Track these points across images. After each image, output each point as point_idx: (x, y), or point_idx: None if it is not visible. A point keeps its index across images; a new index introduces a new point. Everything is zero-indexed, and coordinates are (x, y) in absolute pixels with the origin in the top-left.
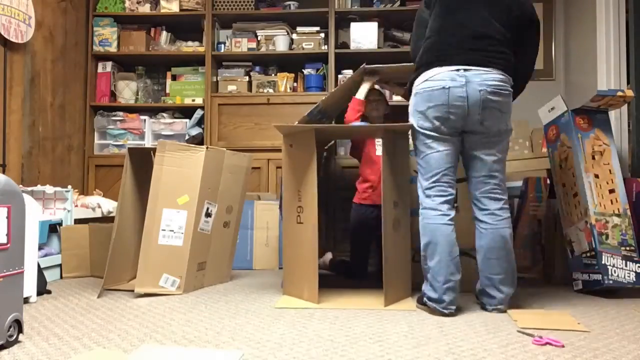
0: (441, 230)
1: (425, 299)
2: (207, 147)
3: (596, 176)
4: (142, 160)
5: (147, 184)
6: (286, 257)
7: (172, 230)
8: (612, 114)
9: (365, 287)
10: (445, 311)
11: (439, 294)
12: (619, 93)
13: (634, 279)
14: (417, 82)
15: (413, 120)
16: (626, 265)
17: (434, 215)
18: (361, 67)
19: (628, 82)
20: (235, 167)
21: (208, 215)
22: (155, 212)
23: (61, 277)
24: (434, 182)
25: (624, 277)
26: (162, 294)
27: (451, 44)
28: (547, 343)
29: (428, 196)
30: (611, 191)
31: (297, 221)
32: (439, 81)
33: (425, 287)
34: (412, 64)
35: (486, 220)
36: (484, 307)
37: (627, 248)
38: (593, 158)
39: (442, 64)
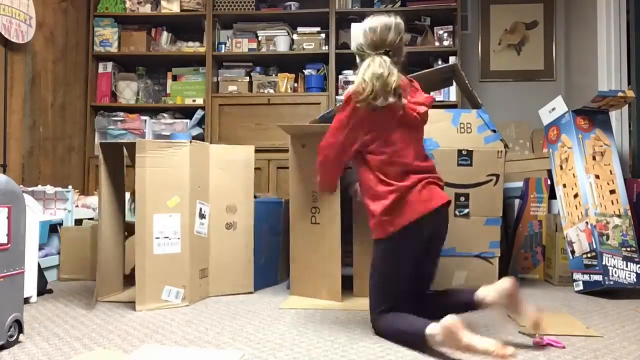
0: None
1: None
2: (190, 142)
3: (597, 177)
4: (115, 156)
5: (121, 181)
6: (296, 258)
7: (167, 237)
8: (613, 115)
9: None
10: None
11: None
12: (620, 94)
13: (635, 280)
14: None
15: None
16: (627, 266)
17: None
18: None
19: (629, 83)
20: (227, 162)
21: (202, 216)
22: (145, 219)
23: (58, 279)
24: None
25: (625, 278)
26: (167, 308)
27: None
28: (548, 344)
29: None
30: (612, 192)
31: (311, 221)
32: None
33: None
34: (427, 71)
35: None
36: None
37: (628, 249)
38: (594, 159)
39: None
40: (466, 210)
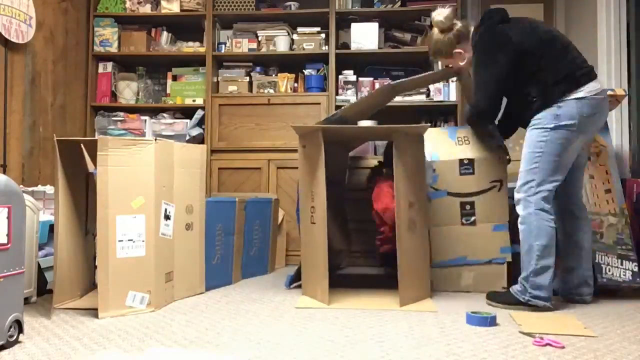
0: (554, 234)
1: (528, 298)
2: (155, 139)
3: (591, 177)
4: (72, 154)
5: (76, 180)
6: (303, 258)
7: (131, 240)
8: (613, 115)
9: (381, 287)
10: (552, 307)
11: (549, 293)
12: (609, 92)
13: (630, 278)
14: (585, 91)
15: (565, 121)
16: (622, 264)
17: (551, 219)
18: (387, 84)
19: (629, 83)
20: (187, 160)
21: (167, 217)
22: (107, 221)
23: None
24: (554, 186)
25: (619, 276)
26: (130, 314)
27: (577, 64)
28: (547, 344)
29: (546, 199)
30: (607, 191)
31: (310, 221)
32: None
33: (531, 289)
34: (432, 72)
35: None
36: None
37: (624, 247)
38: (589, 159)
39: (588, 80)
40: (472, 219)
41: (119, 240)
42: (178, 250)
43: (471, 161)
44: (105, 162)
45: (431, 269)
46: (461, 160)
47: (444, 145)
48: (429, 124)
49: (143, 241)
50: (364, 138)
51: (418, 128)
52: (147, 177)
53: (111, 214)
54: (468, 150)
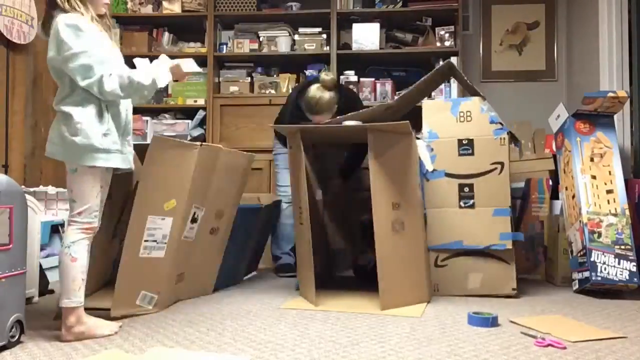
0: None
1: None
2: (201, 144)
3: (593, 177)
4: None
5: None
6: (297, 259)
7: (156, 241)
8: (615, 115)
9: (373, 289)
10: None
11: None
12: (610, 94)
13: (627, 277)
14: None
15: None
16: (619, 264)
17: None
18: (382, 104)
19: (630, 83)
20: (231, 166)
21: (194, 220)
22: (140, 220)
23: None
24: None
25: (615, 275)
26: (139, 314)
27: None
28: (549, 345)
29: None
30: (609, 191)
31: (299, 222)
32: None
33: None
34: (422, 80)
35: None
36: None
37: (622, 247)
38: (592, 160)
39: None
40: (471, 202)
41: (145, 240)
42: (196, 252)
43: (470, 142)
44: (153, 162)
45: (436, 270)
46: (460, 141)
47: (443, 123)
48: (408, 121)
49: (165, 243)
50: (347, 138)
51: (396, 126)
52: (185, 180)
53: (144, 213)
54: (468, 129)
